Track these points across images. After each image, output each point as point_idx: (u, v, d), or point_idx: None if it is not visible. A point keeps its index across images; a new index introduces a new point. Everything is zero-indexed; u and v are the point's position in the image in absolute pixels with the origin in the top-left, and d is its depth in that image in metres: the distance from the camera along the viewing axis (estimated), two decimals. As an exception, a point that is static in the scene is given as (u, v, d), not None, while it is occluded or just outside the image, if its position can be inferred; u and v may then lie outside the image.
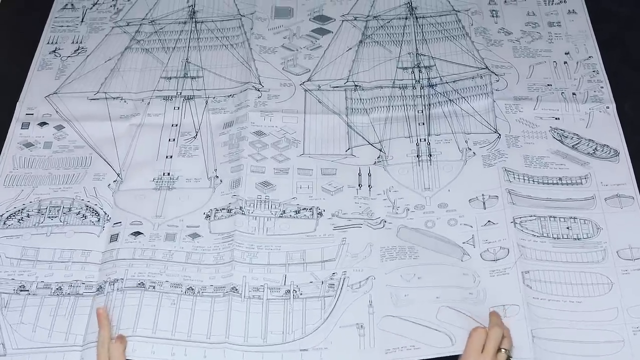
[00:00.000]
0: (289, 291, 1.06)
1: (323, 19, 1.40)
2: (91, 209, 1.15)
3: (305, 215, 1.14)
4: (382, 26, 1.38)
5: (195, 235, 1.12)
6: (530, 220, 1.11)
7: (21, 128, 1.25)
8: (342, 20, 1.39)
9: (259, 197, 1.15)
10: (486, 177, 1.16)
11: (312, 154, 1.21)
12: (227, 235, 1.11)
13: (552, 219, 1.11)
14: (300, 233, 1.12)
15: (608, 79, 1.28)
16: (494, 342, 0.95)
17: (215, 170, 1.19)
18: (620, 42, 1.34)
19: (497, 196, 1.14)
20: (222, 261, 1.09)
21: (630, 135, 1.21)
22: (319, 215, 1.13)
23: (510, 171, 1.16)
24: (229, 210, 1.14)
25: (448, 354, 0.98)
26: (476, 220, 1.12)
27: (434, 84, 1.29)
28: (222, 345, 1.00)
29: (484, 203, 1.14)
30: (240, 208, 1.14)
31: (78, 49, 1.37)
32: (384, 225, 1.12)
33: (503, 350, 0.95)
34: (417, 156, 1.20)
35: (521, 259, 1.07)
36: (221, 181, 1.18)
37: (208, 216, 1.14)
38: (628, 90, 1.26)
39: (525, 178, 1.16)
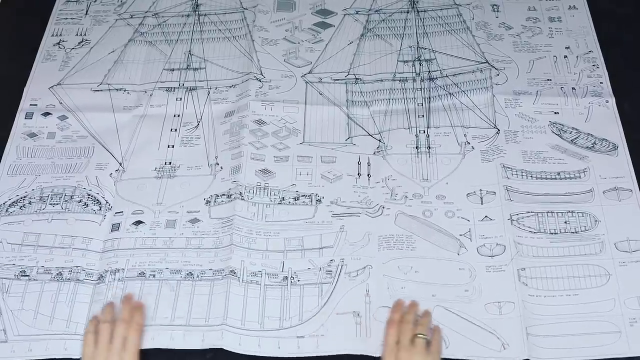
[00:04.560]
0: (286, 277, 1.07)
1: (325, 12, 1.41)
2: (93, 198, 1.16)
3: (304, 202, 1.14)
4: (383, 20, 1.38)
5: (195, 220, 1.13)
6: (528, 216, 1.12)
7: (25, 118, 1.26)
8: (344, 14, 1.40)
9: (258, 184, 1.16)
10: (484, 173, 1.17)
11: (312, 142, 1.21)
12: (226, 220, 1.12)
13: (549, 214, 1.12)
14: (299, 219, 1.12)
15: (608, 73, 1.29)
16: (406, 333, 0.96)
17: (216, 157, 1.20)
18: (620, 38, 1.34)
19: (494, 192, 1.14)
20: (222, 245, 1.10)
21: (629, 129, 1.21)
22: (317, 202, 1.14)
23: (508, 167, 1.17)
24: (229, 196, 1.15)
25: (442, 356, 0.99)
26: (473, 214, 1.12)
27: (434, 77, 1.29)
28: (220, 327, 1.01)
29: (481, 198, 1.14)
30: (240, 194, 1.14)
31: (82, 41, 1.38)
32: (382, 212, 1.13)
33: (420, 336, 0.96)
34: (416, 147, 1.20)
35: (517, 256, 1.08)
36: (221, 168, 1.19)
37: (208, 202, 1.15)
38: (627, 84, 1.27)
39: (524, 174, 1.16)
